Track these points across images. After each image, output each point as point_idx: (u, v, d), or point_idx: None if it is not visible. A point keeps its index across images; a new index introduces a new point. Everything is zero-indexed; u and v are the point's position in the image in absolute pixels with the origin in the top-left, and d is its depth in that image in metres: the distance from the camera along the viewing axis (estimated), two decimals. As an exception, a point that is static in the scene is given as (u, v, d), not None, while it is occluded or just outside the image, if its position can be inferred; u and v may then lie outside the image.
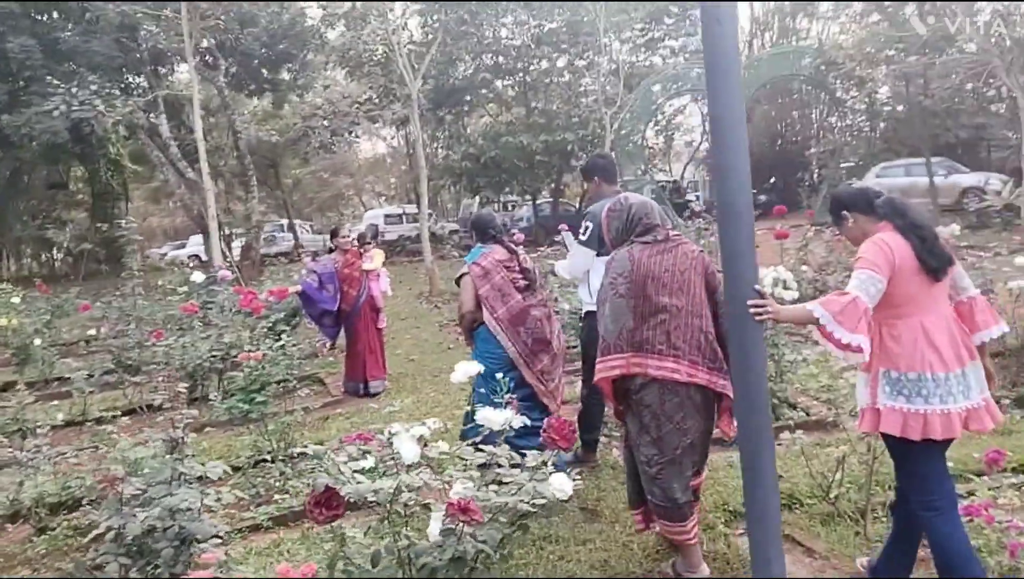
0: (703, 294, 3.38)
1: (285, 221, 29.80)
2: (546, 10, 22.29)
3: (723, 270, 2.82)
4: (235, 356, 7.16)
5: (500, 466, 2.66)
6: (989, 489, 3.46)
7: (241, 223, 17.55)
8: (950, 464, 3.02)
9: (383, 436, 2.71)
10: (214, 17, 14.22)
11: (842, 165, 23.29)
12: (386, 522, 2.61)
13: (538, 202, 25.79)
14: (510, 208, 29.20)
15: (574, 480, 2.75)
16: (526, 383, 4.49)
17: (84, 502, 4.19)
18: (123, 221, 10.12)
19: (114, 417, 6.17)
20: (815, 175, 25.32)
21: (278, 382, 6.02)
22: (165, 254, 28.25)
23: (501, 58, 23.91)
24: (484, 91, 23.73)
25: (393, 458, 2.73)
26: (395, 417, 6.55)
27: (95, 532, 3.07)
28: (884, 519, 3.77)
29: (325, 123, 20.30)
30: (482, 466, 2.80)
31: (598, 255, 4.49)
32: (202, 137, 13.28)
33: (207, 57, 17.59)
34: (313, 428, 6.46)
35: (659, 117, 23.91)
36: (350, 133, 22.78)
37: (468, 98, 24.07)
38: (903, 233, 2.89)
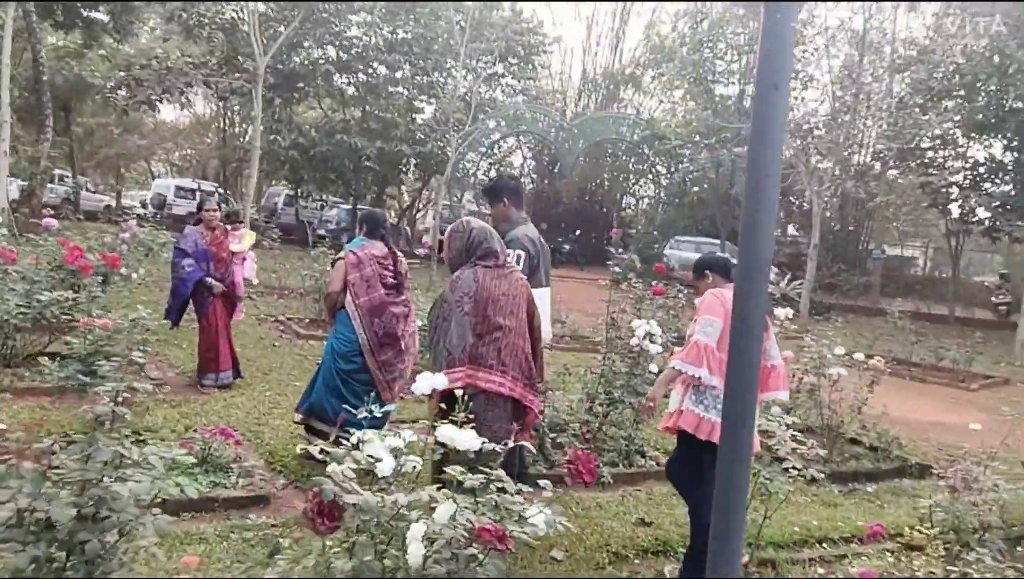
0: (526, 318, 3.84)
1: (60, 172, 26.62)
2: (402, 18, 22.13)
3: (734, 324, 2.90)
4: (52, 318, 6.31)
5: (504, 491, 2.53)
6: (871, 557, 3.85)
7: (26, 167, 15.36)
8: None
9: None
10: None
11: (634, 231, 25.28)
12: (372, 538, 2.40)
13: (358, 207, 25.27)
14: (320, 206, 28.26)
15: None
16: (367, 369, 4.97)
17: None
18: None
19: None
20: (612, 235, 27.13)
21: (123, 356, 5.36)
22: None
23: (343, 54, 23.31)
24: (322, 83, 22.89)
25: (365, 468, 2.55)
26: (232, 413, 6.13)
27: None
28: (756, 576, 4.09)
29: (155, 77, 18.42)
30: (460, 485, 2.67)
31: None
32: (7, 62, 11.53)
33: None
34: (137, 414, 5.75)
35: (495, 151, 24.45)
36: (181, 94, 20.92)
37: (301, 86, 23.12)
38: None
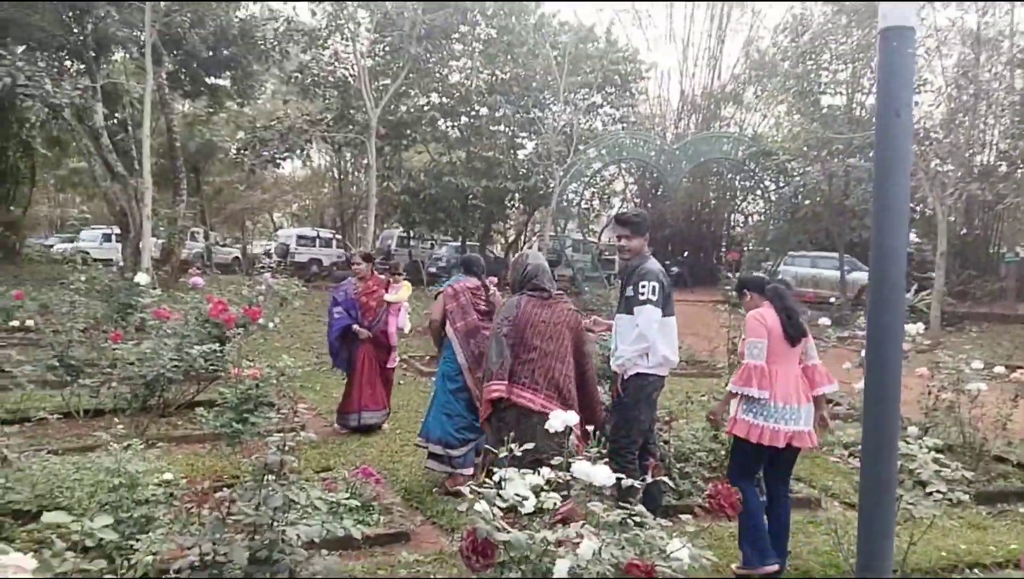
0: (569, 345, 4.40)
1: (193, 229, 28.67)
2: (500, 60, 22.74)
3: (870, 357, 2.87)
4: (200, 369, 6.82)
5: (643, 524, 2.61)
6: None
7: (166, 226, 16.66)
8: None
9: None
10: (177, 12, 13.66)
11: (747, 249, 24.64)
12: (521, 574, 2.52)
13: (467, 244, 25.89)
14: (430, 245, 29.12)
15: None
16: (468, 387, 5.54)
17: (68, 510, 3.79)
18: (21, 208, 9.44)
19: (57, 418, 5.76)
20: (724, 255, 26.57)
21: (270, 404, 5.76)
22: (51, 246, 26.56)
23: (447, 99, 24.14)
24: (428, 128, 23.77)
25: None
26: (367, 451, 6.42)
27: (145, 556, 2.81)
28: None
29: (278, 136, 19.71)
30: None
31: (663, 315, 4.41)
32: (148, 133, 12.61)
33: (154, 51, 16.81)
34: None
35: (597, 180, 24.56)
36: (302, 151, 22.26)
37: (409, 133, 24.07)
38: (777, 310, 4.27)
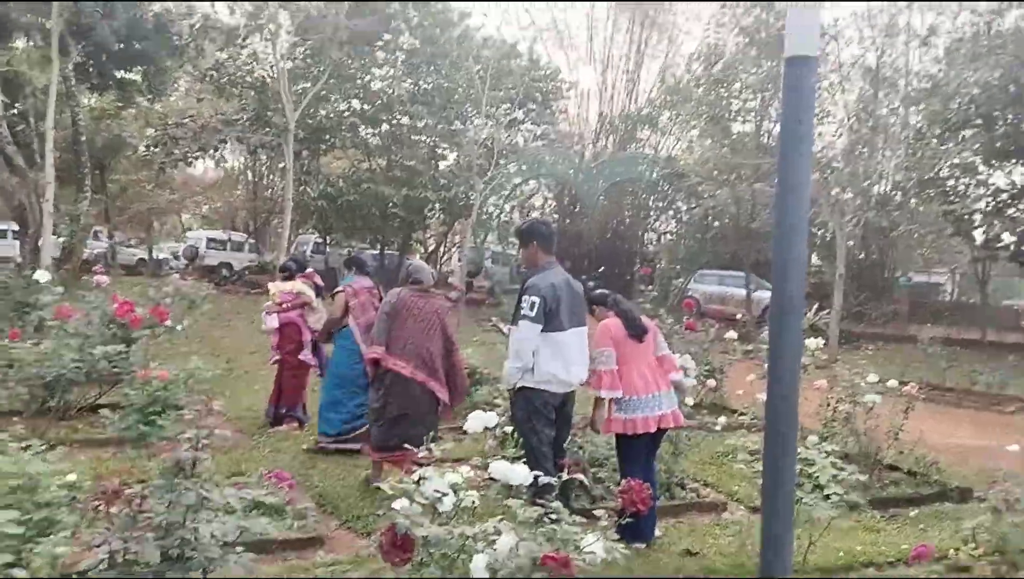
0: (439, 329, 5.43)
1: (96, 228, 27.45)
2: (423, 70, 22.75)
3: (771, 363, 3.03)
4: (104, 371, 6.55)
5: (558, 520, 2.68)
6: None
7: (66, 224, 15.87)
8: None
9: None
10: (87, 1, 13.09)
11: (659, 266, 25.41)
12: (439, 568, 2.54)
13: (385, 252, 25.66)
14: (348, 253, 28.80)
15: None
16: (366, 373, 5.93)
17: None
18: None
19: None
20: (637, 271, 27.28)
21: (177, 407, 5.58)
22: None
23: (368, 106, 23.95)
24: (348, 134, 23.51)
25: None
26: (280, 458, 6.29)
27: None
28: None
29: (190, 135, 19.08)
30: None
31: (544, 330, 4.41)
32: (51, 125, 12.03)
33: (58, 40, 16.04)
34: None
35: (517, 194, 24.81)
36: (215, 151, 21.59)
37: (328, 138, 23.73)
38: (618, 315, 4.85)
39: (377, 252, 25.50)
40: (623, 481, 3.09)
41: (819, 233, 23.62)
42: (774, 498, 2.99)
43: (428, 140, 24.74)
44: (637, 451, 4.76)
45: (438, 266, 32.13)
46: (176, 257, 28.51)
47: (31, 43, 18.03)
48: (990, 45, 16.03)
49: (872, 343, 16.25)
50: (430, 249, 31.70)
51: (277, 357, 7.42)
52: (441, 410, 5.49)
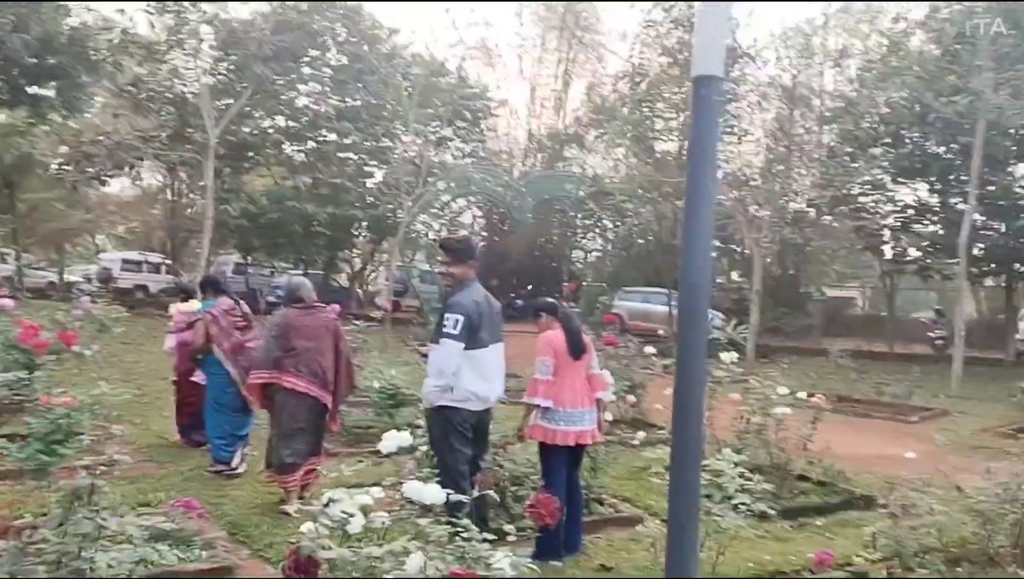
0: (329, 343, 5.58)
1: (2, 251, 26.17)
2: (350, 86, 22.59)
3: (680, 344, 3.10)
4: (4, 399, 6.26)
5: (469, 539, 2.69)
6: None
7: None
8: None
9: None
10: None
11: (584, 283, 25.78)
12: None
13: (309, 272, 25.23)
14: (270, 273, 28.17)
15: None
16: (241, 395, 6.30)
17: None
18: None
19: None
20: (576, 289, 27.58)
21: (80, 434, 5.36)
22: None
23: (293, 123, 23.63)
24: (272, 151, 23.11)
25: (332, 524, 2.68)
26: (190, 486, 6.12)
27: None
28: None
29: (105, 152, 18.40)
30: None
31: (467, 348, 4.40)
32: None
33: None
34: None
35: (445, 212, 24.80)
36: (132, 168, 20.86)
37: (251, 155, 23.28)
38: (564, 329, 4.96)
39: (300, 272, 25.09)
40: (533, 495, 3.12)
41: (737, 250, 24.40)
42: (681, 503, 3.05)
43: (356, 157, 24.54)
44: (559, 462, 4.89)
45: (364, 285, 31.77)
46: (88, 280, 27.32)
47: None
48: (898, 66, 16.90)
49: (788, 357, 16.79)
50: (356, 268, 31.34)
51: (174, 378, 7.48)
52: (329, 418, 5.73)
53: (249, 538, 5.00)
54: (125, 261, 27.97)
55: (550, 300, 5.42)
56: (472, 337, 4.45)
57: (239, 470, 6.43)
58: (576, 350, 4.93)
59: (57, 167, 21.03)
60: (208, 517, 5.02)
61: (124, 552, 2.41)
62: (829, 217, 21.50)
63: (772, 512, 5.82)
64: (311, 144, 24.21)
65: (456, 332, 4.37)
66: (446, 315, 4.44)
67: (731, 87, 17.50)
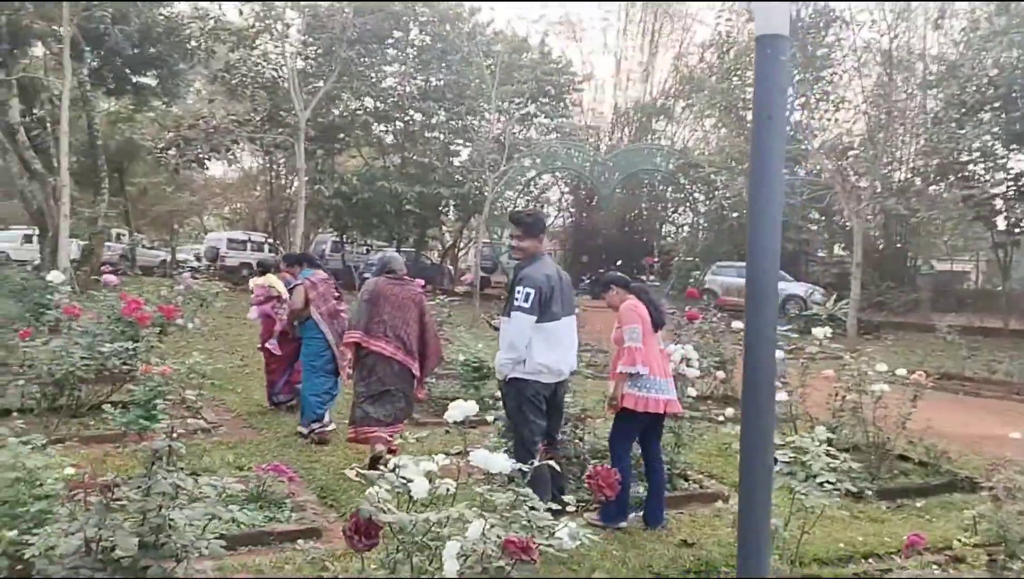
0: (415, 313, 5.89)
1: (117, 231, 27.82)
2: (434, 66, 22.78)
3: (748, 342, 3.00)
4: (113, 368, 6.63)
5: (532, 507, 2.67)
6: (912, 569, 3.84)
7: (84, 226, 16.08)
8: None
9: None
10: (97, 8, 13.23)
11: (685, 259, 25.22)
12: (407, 555, 2.55)
13: (401, 250, 25.78)
14: (366, 250, 28.93)
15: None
16: (334, 359, 6.80)
17: None
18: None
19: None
20: (656, 263, 27.12)
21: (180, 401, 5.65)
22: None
23: (380, 104, 24.03)
24: (361, 133, 23.61)
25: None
26: (286, 452, 6.34)
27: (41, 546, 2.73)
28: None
29: (203, 136, 19.26)
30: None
31: (538, 321, 4.40)
32: (66, 130, 12.20)
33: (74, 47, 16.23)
34: (195, 455, 5.97)
35: (531, 188, 24.77)
36: (227, 151, 21.78)
37: (342, 136, 23.84)
38: (643, 301, 4.98)
39: (394, 249, 25.63)
40: (590, 467, 3.07)
41: (839, 222, 23.36)
42: (752, 480, 2.96)
43: (441, 136, 24.78)
44: (632, 432, 4.92)
45: (455, 262, 32.16)
46: (197, 258, 28.79)
47: (48, 51, 18.33)
48: (1006, 26, 15.72)
49: (893, 333, 16.06)
50: (447, 245, 31.76)
51: (259, 346, 7.84)
52: (416, 385, 6.04)
53: (338, 502, 5.14)
54: (231, 240, 29.21)
55: (619, 273, 5.39)
56: (544, 310, 4.44)
57: (329, 427, 6.74)
58: (659, 320, 5.01)
59: (160, 151, 22.13)
60: (299, 481, 5.21)
61: (196, 510, 2.48)
62: (936, 186, 20.30)
63: (868, 492, 5.60)
64: (398, 124, 24.57)
65: (527, 305, 4.38)
66: (517, 288, 4.45)
67: (825, 52, 16.66)
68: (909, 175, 21.65)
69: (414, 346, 5.85)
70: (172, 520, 2.61)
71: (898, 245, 24.59)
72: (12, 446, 3.76)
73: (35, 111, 17.83)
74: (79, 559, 2.59)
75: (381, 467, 2.88)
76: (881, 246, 24.19)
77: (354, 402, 5.86)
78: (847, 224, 20.83)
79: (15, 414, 4.54)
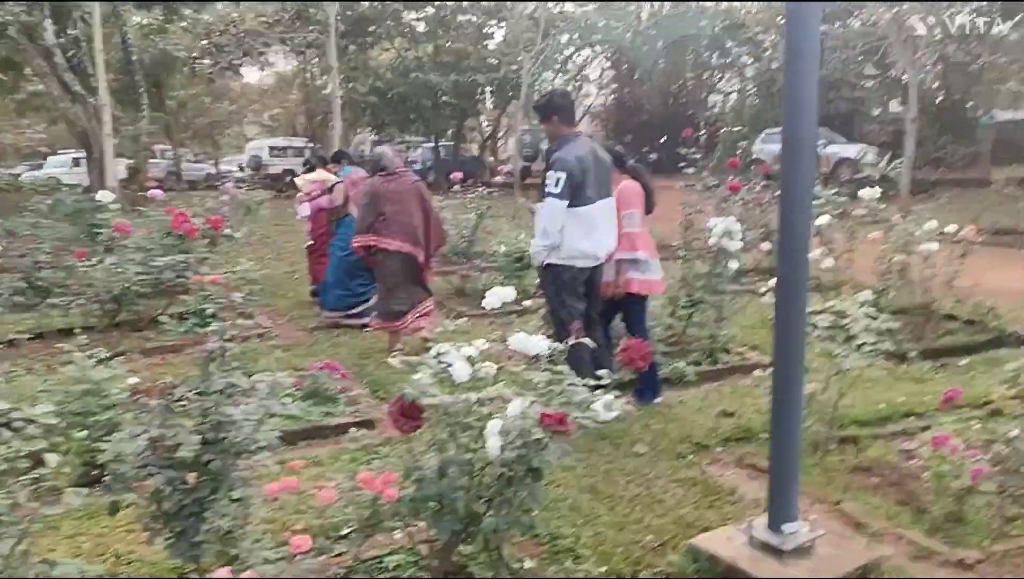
0: (416, 203, 6.20)
1: (161, 147, 28.09)
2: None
3: (782, 204, 3.00)
4: (169, 281, 6.89)
5: (571, 384, 2.76)
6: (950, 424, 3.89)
7: (128, 145, 16.29)
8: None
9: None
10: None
11: (733, 129, 24.38)
12: (451, 435, 2.70)
13: (440, 144, 25.56)
14: (406, 148, 28.78)
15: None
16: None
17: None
18: None
19: (30, 339, 5.88)
20: (703, 136, 26.32)
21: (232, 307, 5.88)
22: (19, 175, 26.00)
23: (410, -10, 23.30)
24: (392, 23, 23.01)
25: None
26: (338, 352, 6.59)
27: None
28: (837, 452, 4.20)
29: (234, 41, 19.07)
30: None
31: (571, 205, 4.36)
32: (100, 47, 12.21)
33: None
34: (251, 358, 6.20)
35: (568, 67, 24.01)
36: (261, 55, 21.58)
37: (373, 29, 23.30)
38: (640, 184, 4.90)
39: (432, 144, 25.40)
40: (623, 340, 3.15)
41: (894, 76, 22.19)
42: (784, 340, 3.05)
43: (474, 18, 24.01)
44: (643, 313, 5.02)
45: (495, 153, 31.75)
46: (241, 168, 29.08)
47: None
48: None
49: (948, 190, 15.49)
50: (486, 135, 31.30)
51: (310, 242, 8.16)
52: (424, 268, 6.40)
53: (389, 395, 5.37)
54: (272, 148, 29.32)
55: (618, 149, 5.20)
56: (576, 194, 4.37)
57: (367, 320, 7.00)
58: (651, 206, 4.98)
59: (192, 60, 21.97)
60: (351, 377, 5.45)
61: (251, 406, 2.65)
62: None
63: (912, 353, 5.59)
64: (429, 10, 23.83)
65: (558, 191, 4.31)
66: (548, 173, 4.39)
67: None
68: (972, 16, 20.22)
69: (420, 235, 6.21)
70: (230, 416, 2.79)
71: (956, 96, 23.32)
72: (79, 361, 4.03)
73: (68, 31, 17.80)
74: (146, 458, 2.80)
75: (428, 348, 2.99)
76: (939, 99, 22.98)
77: (377, 298, 6.41)
78: (903, 77, 19.78)
79: (78, 331, 4.79)
